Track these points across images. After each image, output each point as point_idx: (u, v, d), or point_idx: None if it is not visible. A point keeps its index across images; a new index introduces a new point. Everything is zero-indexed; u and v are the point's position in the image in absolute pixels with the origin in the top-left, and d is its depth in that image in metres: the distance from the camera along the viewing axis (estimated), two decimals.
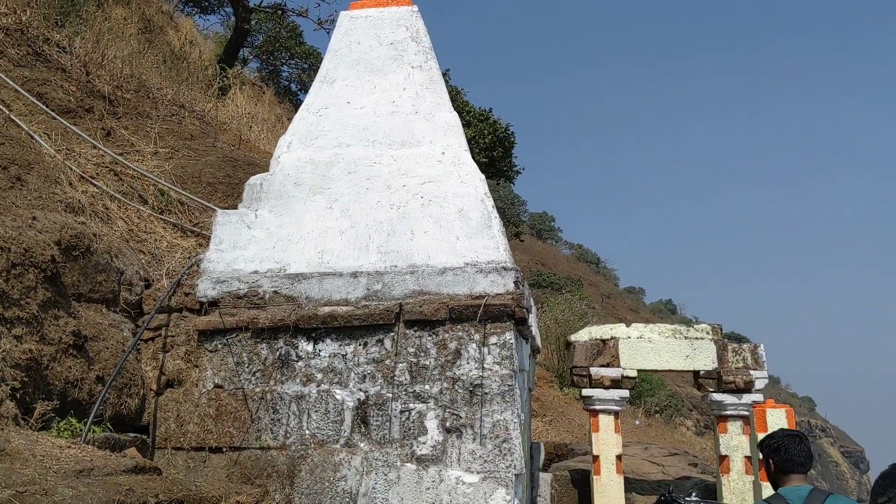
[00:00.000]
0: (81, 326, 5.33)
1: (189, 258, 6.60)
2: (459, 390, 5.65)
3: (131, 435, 5.56)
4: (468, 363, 5.70)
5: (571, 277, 43.21)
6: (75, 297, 5.54)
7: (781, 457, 3.72)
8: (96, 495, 3.05)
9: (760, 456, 4.03)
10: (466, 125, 20.35)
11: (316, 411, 5.77)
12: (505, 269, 5.88)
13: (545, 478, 7.71)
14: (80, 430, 4.86)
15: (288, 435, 5.75)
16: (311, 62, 24.91)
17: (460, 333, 5.76)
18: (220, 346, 6.02)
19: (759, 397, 7.17)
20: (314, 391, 5.82)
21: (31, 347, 4.70)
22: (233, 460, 5.74)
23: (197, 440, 5.84)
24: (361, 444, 5.67)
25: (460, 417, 5.59)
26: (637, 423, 17.27)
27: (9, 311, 4.65)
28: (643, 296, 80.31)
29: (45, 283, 5.06)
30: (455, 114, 6.99)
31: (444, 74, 7.37)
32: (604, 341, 7.53)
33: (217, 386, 5.95)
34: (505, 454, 5.49)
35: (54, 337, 5.00)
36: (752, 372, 7.20)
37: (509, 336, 5.70)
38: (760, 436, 5.38)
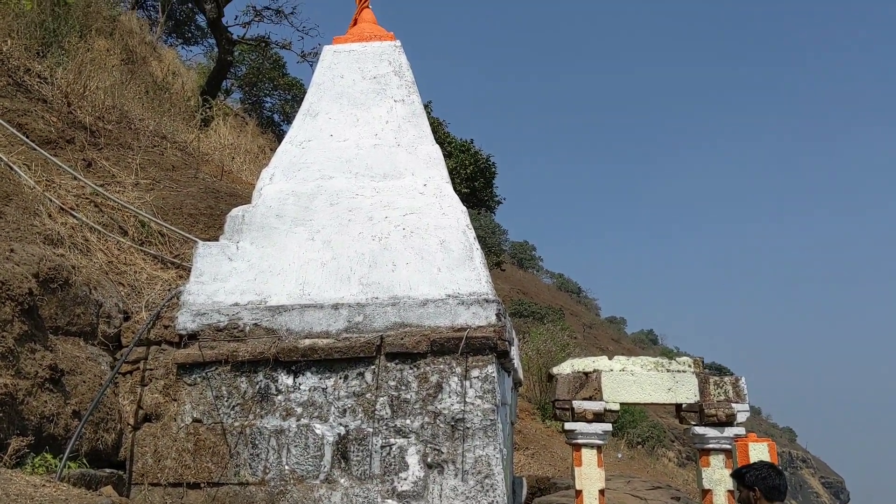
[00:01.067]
0: (58, 360, 5.25)
1: (169, 290, 6.54)
2: (441, 425, 5.61)
3: (107, 471, 5.46)
4: (450, 397, 5.66)
5: (553, 307, 43.24)
6: (52, 330, 5.46)
7: (768, 485, 3.78)
8: None
9: (734, 484, 4.08)
10: (448, 156, 20.45)
11: (296, 446, 5.70)
12: (487, 301, 5.88)
13: None
14: (56, 467, 4.77)
15: (267, 470, 5.67)
16: (294, 93, 25.00)
17: (442, 366, 5.74)
18: (199, 379, 5.95)
19: (741, 430, 7.17)
20: (294, 425, 5.76)
21: (6, 382, 4.62)
22: (211, 496, 5.65)
23: (174, 476, 5.74)
24: (342, 480, 5.60)
25: (442, 453, 5.54)
26: (619, 455, 17.20)
27: None
28: (624, 326, 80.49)
29: (21, 316, 4.99)
30: (437, 146, 7.03)
31: (425, 107, 7.42)
32: (586, 374, 7.52)
33: (196, 420, 5.87)
34: (487, 490, 5.44)
35: (30, 371, 4.92)
36: (733, 405, 7.21)
37: (491, 369, 5.68)
38: (736, 490, 5.38)
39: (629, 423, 24.45)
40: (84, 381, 5.49)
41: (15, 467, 4.44)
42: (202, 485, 5.68)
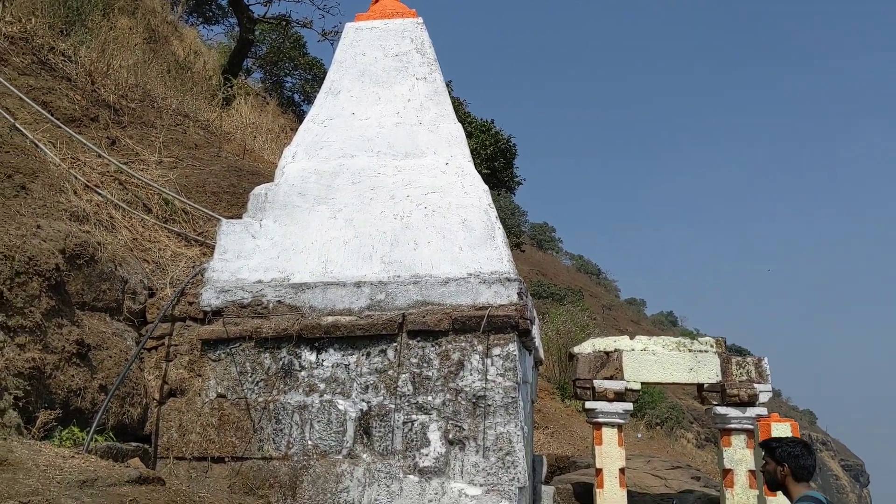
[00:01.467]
0: (85, 335, 5.32)
1: (193, 267, 6.60)
2: (462, 402, 5.64)
3: (133, 444, 5.54)
4: (471, 374, 5.68)
5: (572, 288, 43.17)
6: (79, 305, 5.53)
7: (799, 464, 3.72)
8: None
9: (760, 457, 4.02)
10: (468, 136, 20.36)
11: (318, 421, 5.76)
12: (508, 280, 5.88)
13: (548, 491, 7.67)
14: (83, 440, 4.85)
15: (290, 445, 5.73)
16: (315, 73, 24.98)
17: (463, 344, 5.75)
18: (223, 355, 6.01)
19: (763, 411, 7.14)
20: (317, 401, 5.81)
21: (34, 356, 4.69)
22: (235, 470, 5.72)
23: (199, 450, 5.82)
24: (364, 455, 5.65)
25: (463, 429, 5.57)
26: (639, 435, 17.21)
27: (12, 319, 4.64)
28: (644, 307, 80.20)
29: (48, 291, 5.06)
30: (459, 125, 7.00)
31: (446, 86, 7.39)
32: (607, 353, 7.51)
33: (220, 395, 5.93)
34: (508, 467, 5.47)
35: (57, 346, 4.99)
36: (756, 385, 7.18)
37: (513, 348, 5.69)
38: (763, 460, 5.33)
39: (648, 404, 24.42)
40: (110, 357, 5.56)
41: (43, 440, 4.51)
42: (226, 459, 5.76)
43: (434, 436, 5.61)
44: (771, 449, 3.83)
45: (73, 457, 3.43)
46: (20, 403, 4.33)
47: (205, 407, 5.92)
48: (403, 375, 5.78)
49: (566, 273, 62.92)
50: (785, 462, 3.75)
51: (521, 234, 40.35)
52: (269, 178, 7.19)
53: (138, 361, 5.93)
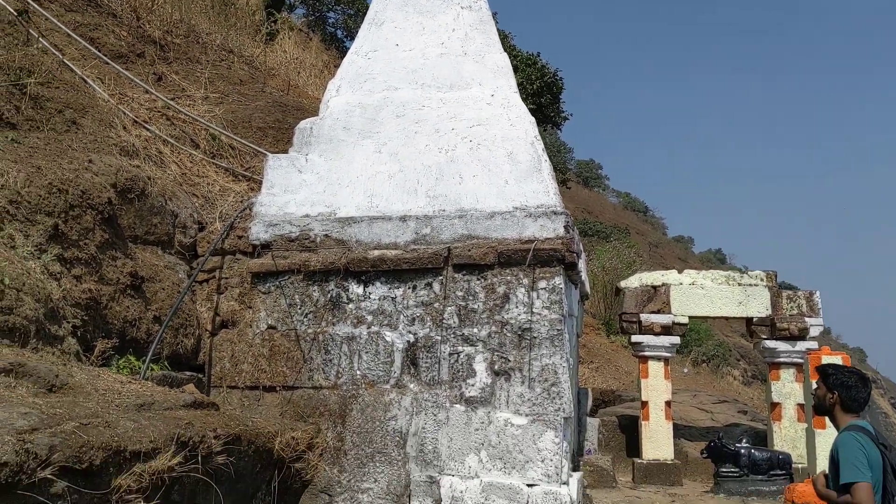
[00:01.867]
0: (138, 267, 5.45)
1: (241, 202, 6.67)
2: (508, 334, 5.66)
3: (187, 373, 5.71)
4: (517, 307, 5.69)
5: (618, 226, 42.72)
6: (131, 239, 5.65)
7: (850, 394, 3.65)
8: (157, 428, 3.13)
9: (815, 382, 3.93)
10: (514, 71, 20.00)
11: (366, 352, 5.85)
12: (555, 213, 5.82)
13: (593, 423, 7.74)
14: (139, 368, 5.01)
15: (339, 375, 5.85)
16: (358, 7, 24.63)
17: (509, 278, 5.75)
18: (272, 288, 6.11)
19: (813, 344, 7.04)
20: (365, 333, 5.89)
21: (90, 287, 4.82)
22: (286, 399, 5.87)
23: (251, 379, 5.98)
24: (411, 385, 5.74)
25: (509, 361, 5.61)
26: (685, 371, 17.17)
27: (68, 251, 4.76)
28: (692, 245, 79.11)
29: (102, 224, 5.17)
30: (505, 55, 6.86)
31: (492, 16, 7.21)
32: (654, 288, 7.44)
33: (270, 327, 6.05)
34: (554, 398, 5.51)
35: (112, 277, 5.12)
36: (806, 319, 7.06)
37: (558, 281, 5.67)
38: (815, 384, 5.25)
39: (694, 341, 24.29)
40: (163, 289, 5.69)
41: (101, 367, 4.67)
42: (277, 388, 5.91)
43: (480, 367, 5.66)
44: (826, 374, 3.75)
45: (130, 382, 3.55)
46: (78, 332, 4.47)
47: (256, 338, 6.06)
48: (449, 308, 5.81)
49: (612, 211, 62.20)
50: (835, 390, 3.68)
51: (566, 171, 39.87)
52: (314, 113, 7.17)
53: (190, 294, 6.06)
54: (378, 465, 5.64)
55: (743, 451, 6.54)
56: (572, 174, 53.40)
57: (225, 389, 5.98)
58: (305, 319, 6.00)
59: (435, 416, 5.66)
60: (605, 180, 73.96)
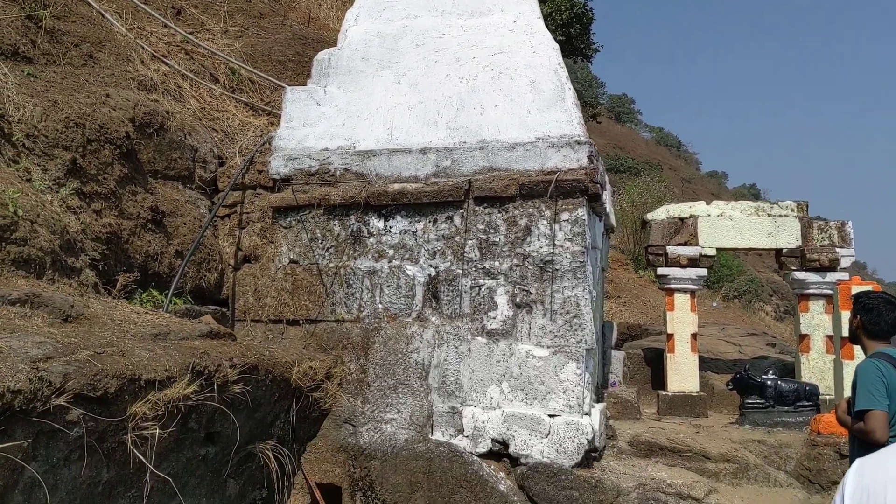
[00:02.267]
0: (158, 202, 5.46)
1: (261, 136, 6.62)
2: (529, 267, 5.61)
3: (212, 307, 5.76)
4: (538, 240, 5.62)
5: (650, 161, 42.04)
6: (151, 173, 5.65)
7: (872, 318, 3.54)
8: (172, 357, 3.15)
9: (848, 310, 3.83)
10: (541, 1, 19.43)
11: (388, 286, 5.84)
12: (578, 143, 5.69)
13: (618, 356, 7.72)
14: (162, 302, 5.05)
15: (361, 308, 5.86)
16: None
17: (530, 210, 5.67)
18: (293, 222, 6.09)
19: (844, 275, 6.89)
20: (386, 267, 5.88)
21: (110, 221, 4.83)
22: (309, 332, 5.91)
23: (274, 313, 6.02)
24: (433, 318, 5.74)
25: (530, 293, 5.57)
26: (714, 304, 17.05)
27: (87, 185, 4.77)
28: (725, 180, 77.79)
29: (120, 159, 5.16)
30: None
31: None
32: (682, 219, 7.30)
33: (292, 261, 6.06)
34: (575, 329, 5.48)
35: (133, 212, 5.13)
36: (837, 249, 6.89)
37: (581, 212, 5.57)
38: (844, 314, 5.17)
39: (726, 276, 24.07)
40: (184, 223, 5.71)
41: (124, 301, 4.72)
42: (301, 321, 5.95)
43: (501, 300, 5.63)
44: (855, 300, 3.67)
45: (146, 313, 3.57)
46: (99, 266, 4.50)
47: (278, 272, 6.07)
48: (470, 241, 5.76)
49: (645, 146, 61.17)
50: (859, 314, 3.59)
51: (597, 105, 39.10)
52: (335, 46, 7.03)
53: (212, 229, 6.08)
54: (401, 396, 5.69)
55: (769, 382, 6.49)
56: (604, 109, 52.43)
57: (249, 323, 6.04)
58: (327, 254, 6.00)
59: (457, 348, 5.66)
60: (638, 115, 72.58)
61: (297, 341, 5.85)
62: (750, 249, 7.59)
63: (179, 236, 5.60)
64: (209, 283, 5.84)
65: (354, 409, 5.73)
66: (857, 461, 1.29)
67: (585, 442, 5.33)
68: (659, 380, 7.54)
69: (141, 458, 2.96)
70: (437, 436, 5.58)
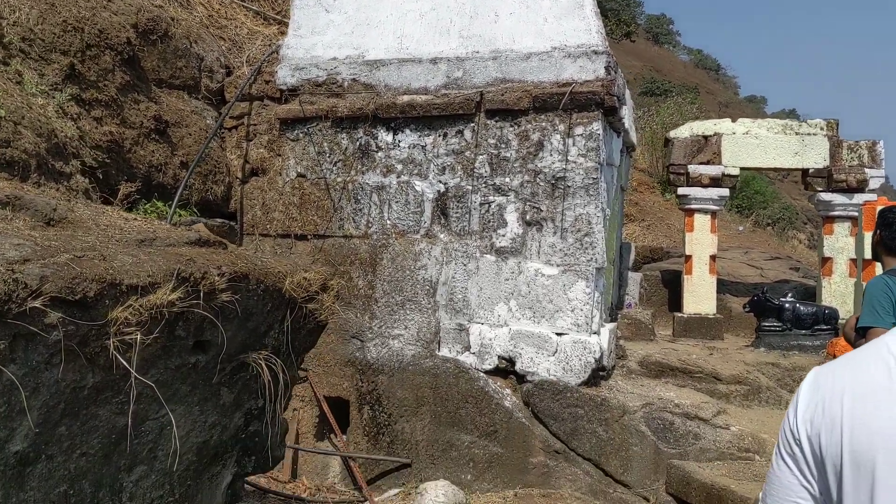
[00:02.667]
0: (163, 112, 5.35)
1: (270, 45, 6.43)
2: (541, 183, 5.45)
3: (218, 220, 5.71)
4: (551, 155, 5.44)
5: (687, 84, 40.90)
6: (155, 82, 5.52)
7: (892, 234, 3.36)
8: (156, 263, 3.08)
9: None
10: None
11: (396, 202, 5.73)
12: (596, 53, 5.43)
13: (634, 277, 7.60)
14: (166, 213, 5.00)
15: (370, 224, 5.77)
16: None
17: (543, 124, 5.47)
18: (301, 135, 5.97)
19: (871, 197, 6.62)
20: (394, 182, 5.75)
21: (111, 129, 4.75)
22: (317, 247, 5.86)
23: (283, 227, 5.96)
24: (441, 235, 5.64)
25: (541, 210, 5.43)
26: (741, 229, 16.73)
27: (86, 92, 4.67)
28: (764, 105, 75.66)
29: (122, 66, 5.03)
30: None
31: None
32: (705, 137, 7.04)
33: (300, 175, 5.96)
34: (586, 248, 5.35)
35: (135, 121, 5.04)
36: (867, 170, 6.61)
37: (596, 127, 5.37)
38: (868, 235, 4.97)
39: (759, 203, 23.59)
40: (190, 134, 5.61)
41: (128, 211, 4.67)
42: (309, 236, 5.89)
43: (511, 217, 5.50)
44: (878, 215, 3.48)
45: (134, 219, 3.50)
46: (98, 174, 4.43)
47: (286, 186, 5.98)
48: (481, 157, 5.60)
49: (682, 69, 59.46)
50: (879, 229, 3.40)
51: (634, 24, 37.84)
52: None
53: (219, 140, 5.98)
54: (408, 312, 5.65)
55: (787, 305, 6.34)
56: (641, 29, 50.86)
57: (257, 237, 5.99)
58: (335, 168, 5.88)
59: (465, 265, 5.58)
60: (676, 36, 70.36)
61: (306, 256, 5.80)
62: (775, 169, 7.34)
63: (184, 147, 5.50)
64: (216, 195, 5.78)
65: (362, 324, 5.72)
66: (813, 370, 1.15)
67: (593, 361, 5.27)
68: (676, 302, 7.42)
69: (125, 363, 2.91)
70: (444, 352, 5.56)
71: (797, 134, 6.82)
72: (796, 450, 1.11)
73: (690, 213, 6.98)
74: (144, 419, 3.14)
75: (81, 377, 2.82)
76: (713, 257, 7.00)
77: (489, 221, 5.53)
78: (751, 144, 6.88)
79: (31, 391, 2.60)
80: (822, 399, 1.09)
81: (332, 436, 5.79)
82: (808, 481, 1.10)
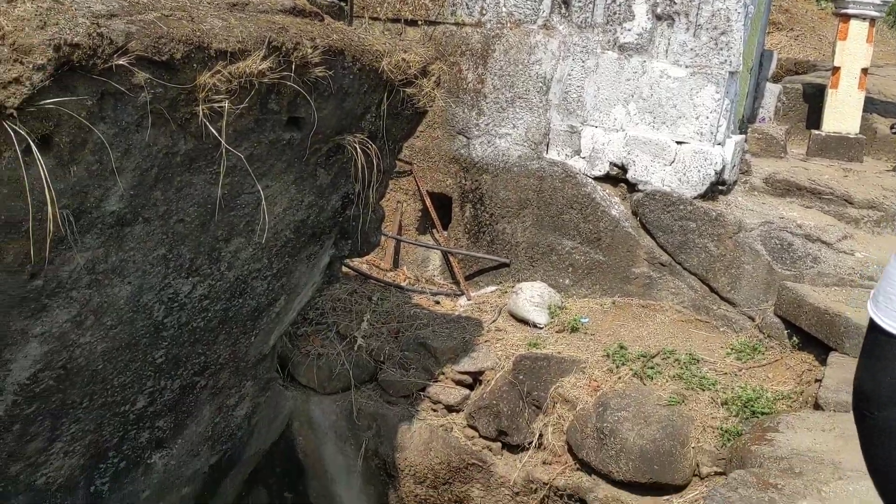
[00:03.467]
0: None
1: None
2: None
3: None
4: None
5: None
6: None
7: None
8: (247, 29, 2.90)
9: None
10: None
11: None
12: None
13: (773, 89, 6.93)
14: None
15: (484, 11, 5.38)
16: None
17: None
18: None
19: None
20: None
21: None
22: (427, 34, 5.56)
23: (393, 11, 5.66)
24: (560, 27, 5.20)
25: (674, 3, 4.87)
26: None
27: None
28: None
29: None
30: None
31: None
32: None
33: None
34: (721, 48, 4.81)
35: None
36: None
37: None
38: None
39: None
40: None
41: None
42: (419, 22, 5.57)
43: (640, 9, 4.97)
44: None
45: None
46: None
47: None
48: None
49: None
50: None
51: None
52: None
53: None
54: (518, 110, 5.36)
55: None
56: None
57: (367, 20, 5.72)
58: None
59: (583, 62, 5.16)
60: None
61: (415, 44, 5.52)
62: None
63: None
64: None
65: (469, 120, 5.49)
66: None
67: (713, 173, 4.90)
68: (815, 119, 6.75)
69: (214, 131, 2.84)
70: (552, 155, 5.30)
71: None
72: None
73: (846, 18, 6.13)
74: (240, 192, 3.12)
75: (173, 143, 2.78)
76: (865, 71, 6.21)
77: (615, 13, 5.03)
78: None
79: (122, 152, 2.58)
80: None
81: (434, 231, 5.79)
82: None
